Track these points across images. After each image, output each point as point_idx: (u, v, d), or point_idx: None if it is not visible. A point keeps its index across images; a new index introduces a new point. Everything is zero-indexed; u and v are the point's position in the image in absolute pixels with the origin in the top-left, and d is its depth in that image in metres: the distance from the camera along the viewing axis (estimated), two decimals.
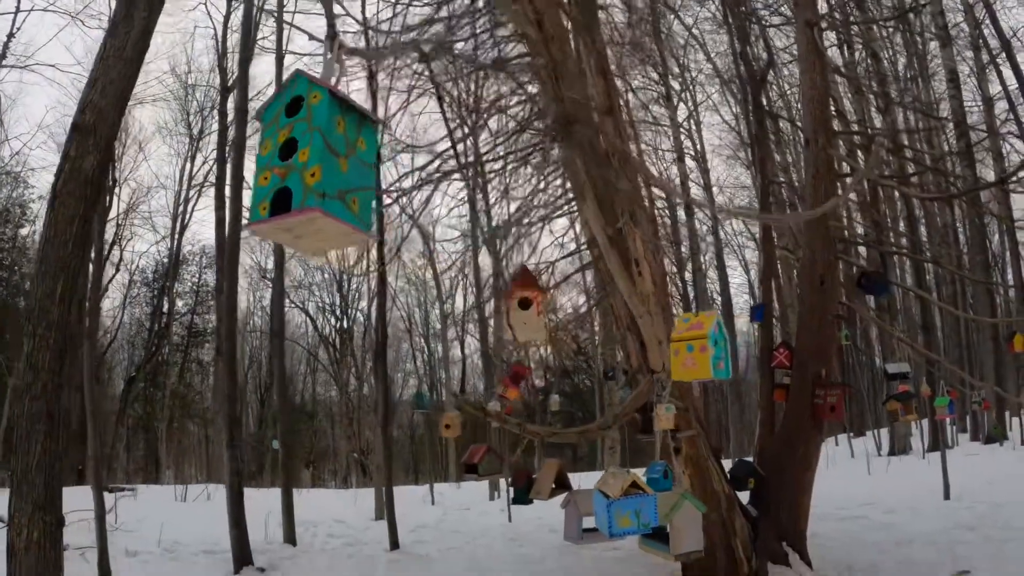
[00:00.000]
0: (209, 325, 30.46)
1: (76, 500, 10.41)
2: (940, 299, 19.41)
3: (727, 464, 6.82)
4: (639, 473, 3.81)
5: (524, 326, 4.82)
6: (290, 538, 10.33)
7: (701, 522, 4.03)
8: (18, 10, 17.74)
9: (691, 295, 27.06)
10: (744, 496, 6.72)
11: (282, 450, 11.39)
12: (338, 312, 33.03)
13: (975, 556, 6.86)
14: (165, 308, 29.54)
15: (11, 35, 17.94)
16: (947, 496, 10.08)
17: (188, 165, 27.94)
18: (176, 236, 27.71)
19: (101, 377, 29.22)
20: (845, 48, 14.74)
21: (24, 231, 26.92)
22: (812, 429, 6.69)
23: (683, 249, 27.80)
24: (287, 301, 34.00)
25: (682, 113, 24.26)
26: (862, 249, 11.85)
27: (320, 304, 34.95)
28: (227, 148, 14.23)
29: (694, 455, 5.94)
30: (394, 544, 10.02)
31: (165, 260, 28.49)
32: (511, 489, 5.97)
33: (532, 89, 6.82)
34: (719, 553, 6.10)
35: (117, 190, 27.40)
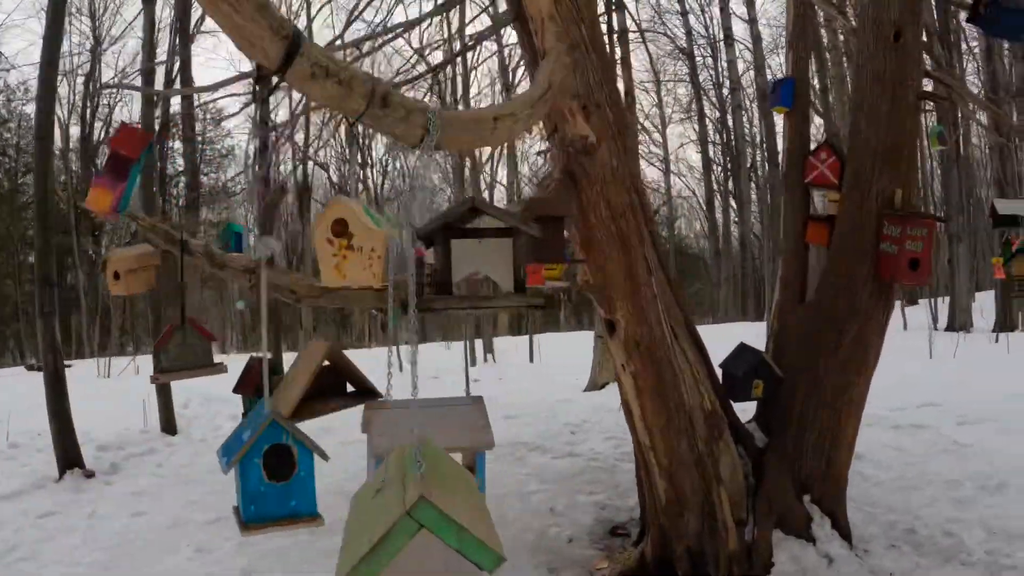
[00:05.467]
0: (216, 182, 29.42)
1: None
2: None
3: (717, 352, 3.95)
4: None
5: None
6: (169, 426, 8.10)
7: None
8: None
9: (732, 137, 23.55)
10: (746, 413, 3.95)
11: (151, 310, 8.90)
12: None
13: None
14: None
15: None
16: None
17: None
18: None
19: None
20: None
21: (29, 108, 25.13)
22: (873, 296, 3.70)
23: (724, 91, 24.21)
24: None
25: None
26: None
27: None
28: None
29: (643, 337, 3.12)
30: None
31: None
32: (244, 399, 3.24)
33: None
34: (688, 515, 3.41)
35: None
